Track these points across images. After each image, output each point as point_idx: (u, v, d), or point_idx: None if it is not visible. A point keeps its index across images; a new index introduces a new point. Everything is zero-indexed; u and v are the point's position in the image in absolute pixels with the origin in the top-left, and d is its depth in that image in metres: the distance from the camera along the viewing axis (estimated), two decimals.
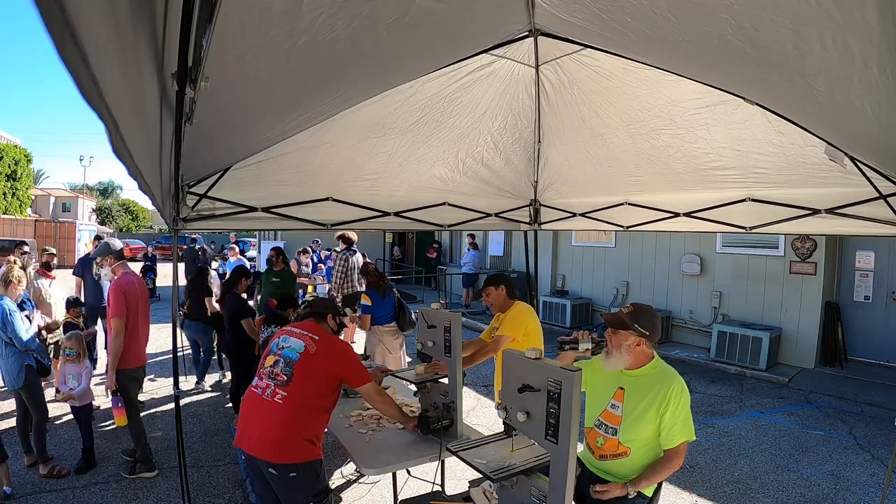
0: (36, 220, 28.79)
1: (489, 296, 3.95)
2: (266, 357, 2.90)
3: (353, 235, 7.66)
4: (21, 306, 4.66)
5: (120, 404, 4.40)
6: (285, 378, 2.73)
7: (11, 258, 5.15)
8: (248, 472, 2.95)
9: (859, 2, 1.35)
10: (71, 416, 4.66)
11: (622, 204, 4.81)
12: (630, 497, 2.39)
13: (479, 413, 6.13)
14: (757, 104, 2.78)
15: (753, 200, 3.94)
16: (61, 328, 5.46)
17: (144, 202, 53.86)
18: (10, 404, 5.79)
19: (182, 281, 7.00)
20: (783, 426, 5.99)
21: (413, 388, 3.68)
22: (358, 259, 8.35)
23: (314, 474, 2.76)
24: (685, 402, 2.46)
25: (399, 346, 5.70)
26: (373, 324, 5.56)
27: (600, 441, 2.58)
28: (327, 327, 3.08)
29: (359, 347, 6.79)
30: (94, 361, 5.16)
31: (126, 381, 4.41)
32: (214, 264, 14.87)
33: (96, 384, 5.68)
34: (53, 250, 7.15)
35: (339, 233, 7.77)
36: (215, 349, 7.19)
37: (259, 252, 17.70)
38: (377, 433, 3.43)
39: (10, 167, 31.73)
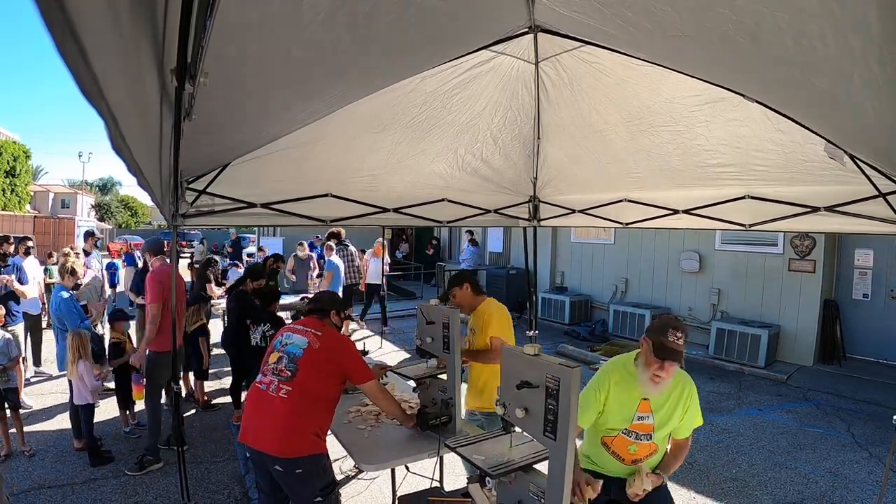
0: (35, 217, 28.78)
1: (455, 297, 3.82)
2: (270, 354, 2.90)
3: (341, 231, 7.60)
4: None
5: (141, 381, 4.89)
6: (289, 373, 2.74)
7: (66, 249, 5.80)
8: (255, 471, 2.95)
9: None
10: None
11: (621, 201, 4.81)
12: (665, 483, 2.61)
13: None
14: (756, 101, 2.77)
15: (753, 198, 3.94)
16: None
17: (144, 198, 53.93)
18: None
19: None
20: (781, 424, 6.00)
21: (412, 383, 3.68)
22: (352, 252, 8.29)
23: (320, 468, 2.77)
24: (696, 395, 2.70)
25: None
26: None
27: (633, 448, 2.64)
28: (330, 323, 3.08)
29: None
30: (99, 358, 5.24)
31: (154, 365, 4.64)
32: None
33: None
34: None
35: (330, 231, 7.72)
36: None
37: (258, 249, 17.65)
38: (375, 429, 3.43)
39: (8, 163, 31.68)
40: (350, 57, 2.28)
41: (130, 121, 1.28)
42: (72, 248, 6.85)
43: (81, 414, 4.72)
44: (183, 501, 3.93)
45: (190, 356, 6.14)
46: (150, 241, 5.29)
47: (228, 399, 6.48)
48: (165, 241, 5.64)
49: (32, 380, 6.73)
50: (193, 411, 6.03)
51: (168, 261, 5.03)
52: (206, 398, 6.24)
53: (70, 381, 4.76)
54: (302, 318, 3.16)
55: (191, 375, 6.45)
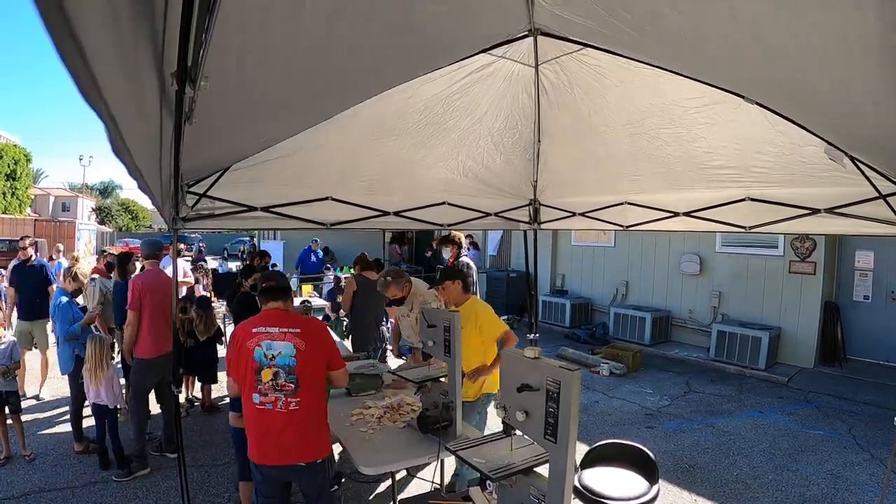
0: (35, 220, 28.80)
1: (446, 289, 3.94)
2: (259, 371, 2.76)
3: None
4: None
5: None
6: (293, 386, 2.75)
7: (75, 253, 5.95)
8: (266, 489, 2.92)
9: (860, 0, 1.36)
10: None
11: (622, 203, 4.80)
12: None
13: None
14: (756, 103, 2.77)
15: (753, 200, 3.94)
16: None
17: (144, 201, 53.92)
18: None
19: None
20: (782, 426, 5.99)
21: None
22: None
23: (332, 459, 2.91)
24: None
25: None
26: None
27: None
28: (290, 305, 3.03)
29: None
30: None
31: (138, 371, 4.67)
32: (213, 263, 14.97)
33: None
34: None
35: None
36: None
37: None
38: (377, 432, 3.43)
39: (9, 166, 31.69)
40: (351, 60, 2.28)
41: (130, 123, 1.28)
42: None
43: (96, 415, 4.66)
44: None
45: (196, 362, 6.15)
46: (146, 243, 5.24)
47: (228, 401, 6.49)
48: (163, 244, 5.65)
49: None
50: (187, 415, 6.01)
51: (161, 266, 5.08)
52: (211, 402, 6.23)
53: (81, 385, 4.75)
54: (263, 309, 2.97)
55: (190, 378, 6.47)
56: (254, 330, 2.82)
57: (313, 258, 13.23)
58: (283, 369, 2.75)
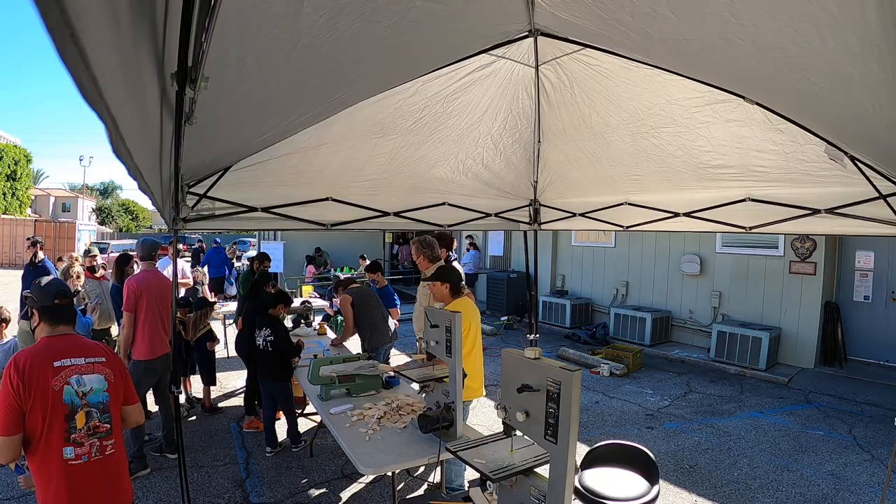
0: (35, 220, 28.79)
1: (433, 287, 3.99)
2: (72, 417, 2.28)
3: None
4: None
5: None
6: (108, 426, 2.40)
7: (73, 254, 6.44)
8: None
9: (859, 0, 1.36)
10: None
11: (622, 204, 4.80)
12: None
13: (479, 413, 6.12)
14: (757, 103, 2.78)
15: (753, 200, 3.94)
16: None
17: (144, 202, 54.08)
18: None
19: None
20: (783, 426, 5.99)
21: (416, 385, 3.68)
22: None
23: None
24: None
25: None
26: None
27: None
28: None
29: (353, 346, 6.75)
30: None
31: (135, 371, 4.57)
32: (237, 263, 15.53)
33: None
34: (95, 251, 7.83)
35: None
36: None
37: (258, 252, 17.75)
38: (377, 433, 3.43)
39: (9, 167, 31.72)
40: (350, 60, 2.28)
41: (131, 123, 1.28)
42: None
43: None
44: None
45: (194, 362, 6.15)
46: (142, 243, 5.14)
47: (231, 402, 6.48)
48: (161, 244, 5.62)
49: None
50: (194, 417, 6.01)
51: (157, 268, 5.07)
52: (211, 402, 6.23)
53: None
54: (55, 335, 2.41)
55: (192, 379, 6.47)
56: (56, 364, 2.27)
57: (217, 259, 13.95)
58: (97, 408, 2.36)
